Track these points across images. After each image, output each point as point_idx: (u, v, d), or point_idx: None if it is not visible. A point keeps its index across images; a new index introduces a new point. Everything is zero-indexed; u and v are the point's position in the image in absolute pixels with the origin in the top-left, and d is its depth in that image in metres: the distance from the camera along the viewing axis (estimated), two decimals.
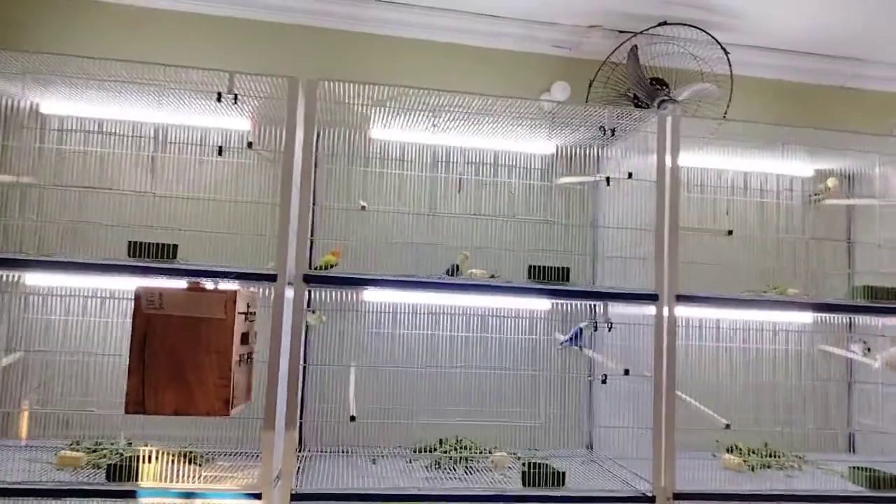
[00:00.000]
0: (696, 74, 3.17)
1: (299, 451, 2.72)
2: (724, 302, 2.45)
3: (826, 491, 2.40)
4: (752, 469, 2.72)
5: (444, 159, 2.94)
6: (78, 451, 2.34)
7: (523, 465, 2.30)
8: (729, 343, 3.08)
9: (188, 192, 2.64)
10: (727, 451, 2.90)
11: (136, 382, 1.81)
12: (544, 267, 2.32)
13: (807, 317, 3.11)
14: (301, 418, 2.75)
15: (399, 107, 2.53)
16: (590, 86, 3.12)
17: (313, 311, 2.54)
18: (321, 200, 2.81)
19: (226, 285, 2.09)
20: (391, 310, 2.84)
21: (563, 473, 2.27)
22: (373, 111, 2.61)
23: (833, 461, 2.83)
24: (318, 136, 2.84)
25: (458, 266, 2.62)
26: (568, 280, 2.34)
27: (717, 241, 3.03)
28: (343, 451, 2.72)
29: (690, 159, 3.09)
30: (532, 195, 3.02)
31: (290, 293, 2.17)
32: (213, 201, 2.69)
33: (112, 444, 2.42)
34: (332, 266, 2.43)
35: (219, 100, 2.27)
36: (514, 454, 2.66)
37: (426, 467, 2.50)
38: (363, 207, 2.50)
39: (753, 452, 2.86)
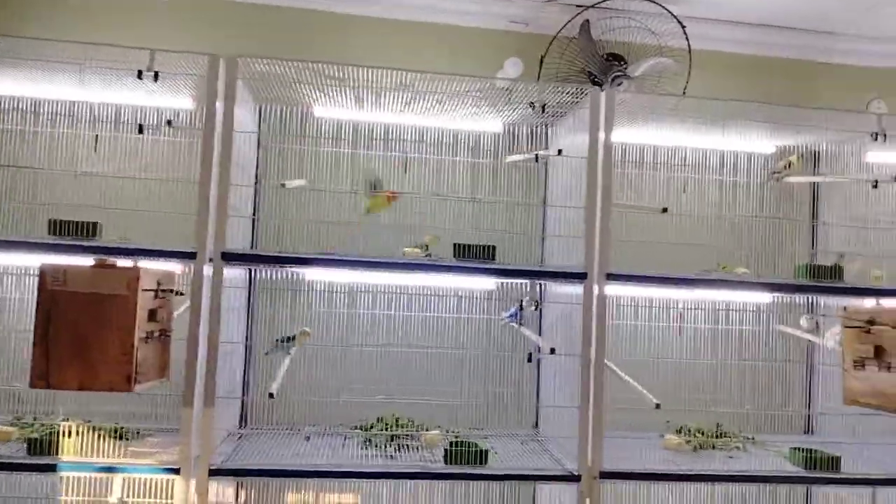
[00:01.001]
0: (653, 49, 3.09)
1: (242, 427, 2.75)
2: (656, 280, 2.41)
3: (740, 471, 2.37)
4: (695, 450, 2.68)
5: (390, 138, 2.91)
6: (16, 426, 2.38)
7: (448, 443, 2.30)
8: (683, 323, 3.03)
9: (119, 170, 2.64)
10: (677, 431, 2.87)
11: (40, 357, 1.83)
12: (469, 245, 2.30)
13: (765, 297, 3.05)
14: (244, 395, 2.79)
15: (333, 84, 2.51)
16: (541, 62, 3.06)
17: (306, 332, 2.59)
18: (265, 179, 2.81)
19: (147, 263, 2.10)
20: (338, 289, 2.85)
21: (486, 452, 2.26)
22: (309, 88, 2.59)
23: (785, 443, 2.78)
24: (260, 114, 2.84)
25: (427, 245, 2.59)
26: (493, 258, 2.31)
27: (672, 220, 2.98)
28: (286, 429, 2.73)
29: (646, 136, 3.04)
30: (481, 174, 2.98)
31: (209, 271, 2.17)
32: (162, 181, 2.69)
33: (49, 419, 2.46)
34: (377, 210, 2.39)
35: (139, 77, 2.26)
36: (454, 433, 2.66)
37: (359, 445, 2.51)
38: (283, 185, 2.49)
39: (701, 433, 2.82)
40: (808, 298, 2.97)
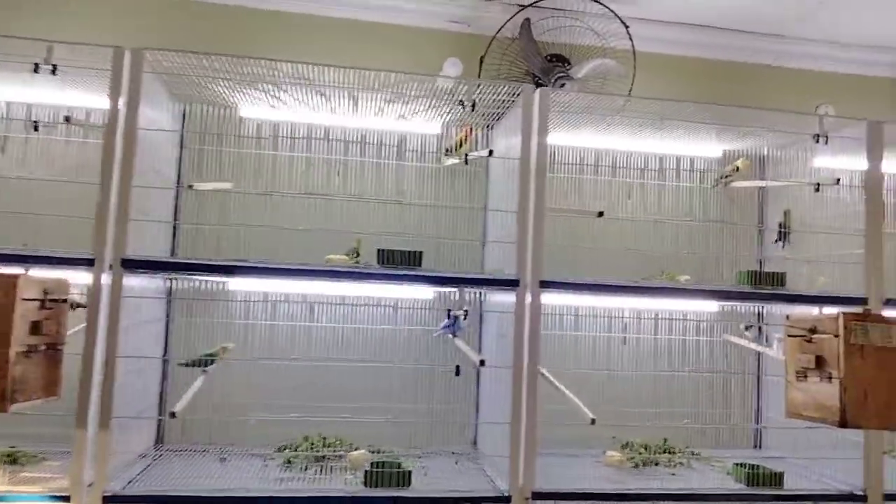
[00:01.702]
0: (597, 51, 3.00)
1: (158, 447, 2.57)
2: (592, 288, 2.29)
3: (677, 489, 2.26)
4: (636, 466, 2.56)
5: (322, 138, 2.77)
6: None
7: (371, 464, 2.15)
8: (627, 334, 2.93)
9: (30, 172, 2.46)
10: (622, 446, 2.76)
11: None
12: (394, 251, 2.16)
13: (712, 305, 2.96)
14: (160, 414, 2.60)
15: (256, 80, 2.37)
16: (481, 62, 2.95)
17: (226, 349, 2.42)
18: (189, 182, 2.64)
19: (40, 272, 1.93)
20: (266, 300, 2.68)
21: (409, 473, 2.11)
22: (232, 86, 2.44)
23: (732, 457, 2.68)
24: (184, 114, 2.68)
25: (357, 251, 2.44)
26: (420, 264, 2.18)
27: (617, 226, 2.90)
28: (204, 450, 2.55)
29: (591, 140, 2.94)
30: (423, 178, 2.85)
31: (108, 279, 2.00)
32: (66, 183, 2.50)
33: None
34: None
35: (35, 71, 2.09)
36: (385, 452, 2.51)
37: (280, 467, 2.34)
38: (191, 187, 2.33)
39: (646, 449, 2.71)
40: (755, 307, 2.90)
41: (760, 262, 3.08)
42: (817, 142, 2.51)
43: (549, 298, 2.81)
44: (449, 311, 2.42)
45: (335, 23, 2.96)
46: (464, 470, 2.43)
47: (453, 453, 2.66)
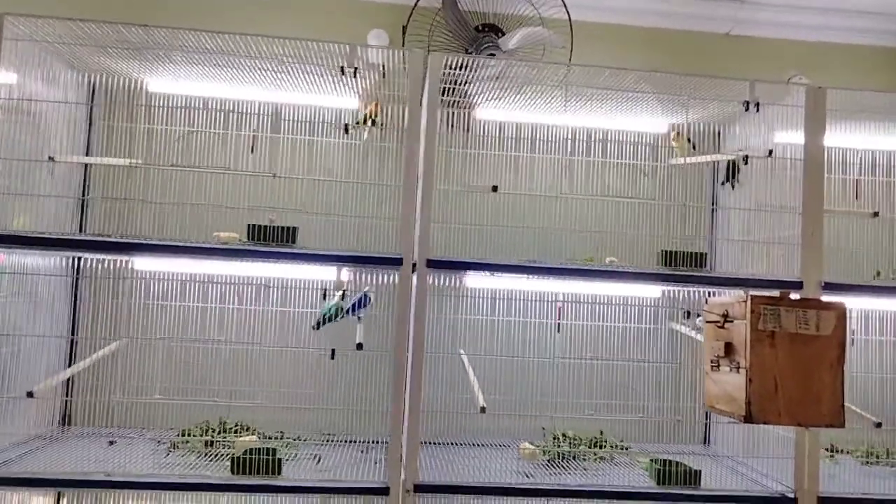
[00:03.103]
0: (533, 21, 2.83)
1: (62, 428, 2.52)
2: (481, 268, 2.12)
3: (561, 485, 2.10)
4: (550, 460, 2.40)
5: (236, 113, 2.66)
6: None
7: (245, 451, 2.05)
8: (561, 320, 2.75)
9: None
10: (553, 438, 2.60)
11: None
12: (265, 227, 2.04)
13: (654, 290, 2.76)
14: (69, 395, 2.55)
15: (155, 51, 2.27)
16: (404, 32, 2.80)
17: None
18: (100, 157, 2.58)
19: None
20: (167, 278, 2.58)
21: (279, 461, 2.00)
22: (130, 57, 2.36)
23: (666, 454, 2.49)
24: (92, 87, 2.61)
25: None
26: (293, 241, 2.05)
27: (562, 206, 2.70)
28: (108, 433, 2.49)
29: (529, 116, 2.76)
30: (348, 154, 2.71)
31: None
32: None
33: None
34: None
35: None
36: (289, 438, 2.40)
37: (165, 452, 2.26)
38: (51, 158, 2.24)
39: (576, 441, 2.55)
40: (706, 292, 2.67)
41: (712, 245, 2.86)
42: (747, 109, 2.28)
43: (476, 281, 2.67)
44: (343, 292, 2.28)
45: None
46: (365, 460, 2.30)
47: (367, 443, 2.54)
